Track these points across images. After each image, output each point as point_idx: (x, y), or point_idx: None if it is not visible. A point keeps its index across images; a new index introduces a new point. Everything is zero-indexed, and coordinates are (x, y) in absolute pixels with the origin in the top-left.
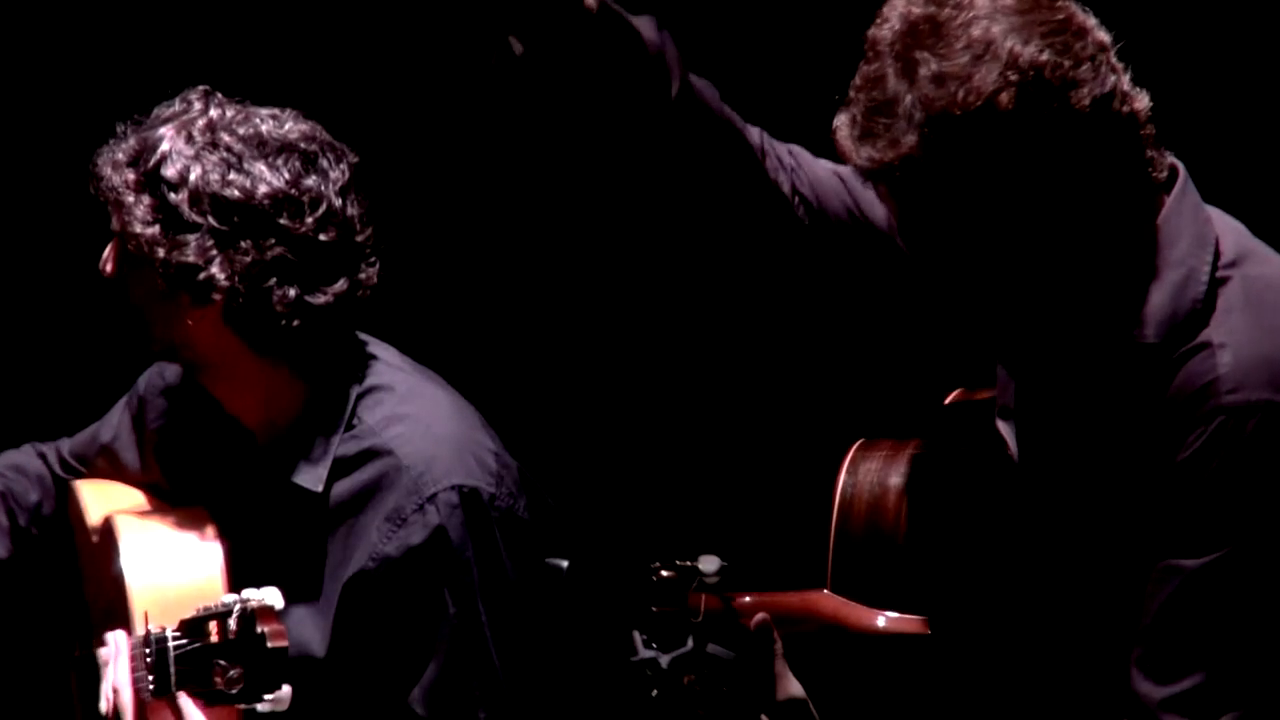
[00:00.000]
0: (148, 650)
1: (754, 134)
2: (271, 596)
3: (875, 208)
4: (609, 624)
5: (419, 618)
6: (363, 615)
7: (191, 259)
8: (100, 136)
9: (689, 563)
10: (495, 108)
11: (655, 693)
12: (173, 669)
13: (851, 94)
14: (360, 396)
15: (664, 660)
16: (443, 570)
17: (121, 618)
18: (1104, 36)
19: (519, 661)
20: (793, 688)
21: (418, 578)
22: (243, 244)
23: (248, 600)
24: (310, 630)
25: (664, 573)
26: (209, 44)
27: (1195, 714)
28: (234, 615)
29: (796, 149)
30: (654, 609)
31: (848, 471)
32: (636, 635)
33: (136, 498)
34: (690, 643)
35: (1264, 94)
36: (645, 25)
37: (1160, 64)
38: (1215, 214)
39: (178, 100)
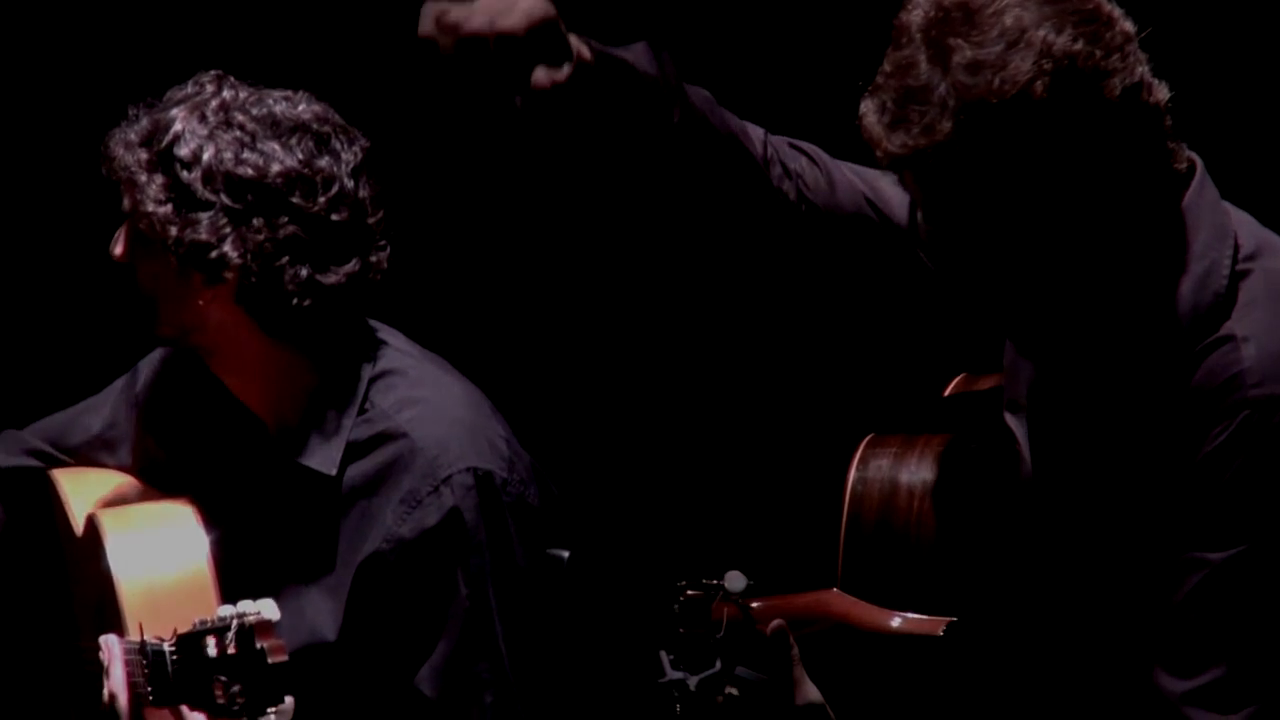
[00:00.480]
0: (144, 660)
1: (757, 143)
2: (268, 610)
3: (893, 204)
4: (612, 616)
5: (430, 599)
6: (375, 597)
7: (204, 237)
8: (108, 125)
9: (715, 581)
10: (502, 110)
11: (679, 709)
12: (171, 682)
13: (880, 80)
14: (373, 380)
15: (692, 682)
16: (456, 552)
17: (113, 617)
18: (1129, 26)
19: (525, 648)
20: (811, 693)
21: (431, 559)
22: (255, 222)
23: (244, 615)
24: (323, 615)
25: (690, 592)
26: (221, 36)
27: (1218, 706)
28: (231, 630)
29: (808, 146)
30: (681, 630)
31: (858, 468)
32: (664, 656)
33: (119, 487)
34: (718, 664)
35: (1263, 91)
36: (640, 56)
37: (1166, 59)
38: (1229, 207)
39: (190, 83)
